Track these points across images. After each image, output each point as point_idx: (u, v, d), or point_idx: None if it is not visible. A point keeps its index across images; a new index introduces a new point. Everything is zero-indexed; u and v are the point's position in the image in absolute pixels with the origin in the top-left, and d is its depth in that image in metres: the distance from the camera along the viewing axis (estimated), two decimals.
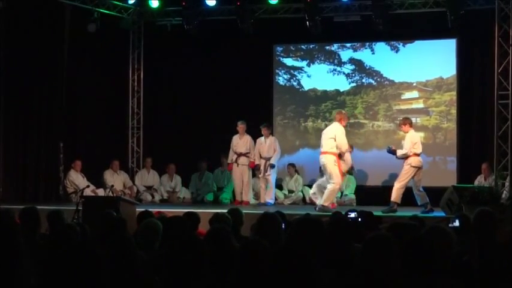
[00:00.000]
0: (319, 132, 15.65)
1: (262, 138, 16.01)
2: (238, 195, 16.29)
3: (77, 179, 16.47)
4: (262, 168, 15.91)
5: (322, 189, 14.11)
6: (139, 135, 18.63)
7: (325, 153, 13.97)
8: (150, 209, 9.44)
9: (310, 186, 15.83)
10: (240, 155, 16.18)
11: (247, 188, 16.18)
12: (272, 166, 15.77)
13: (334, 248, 5.71)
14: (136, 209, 11.71)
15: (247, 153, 16.17)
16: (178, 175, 17.73)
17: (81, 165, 16.62)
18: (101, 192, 16.37)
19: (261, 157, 15.97)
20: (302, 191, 16.83)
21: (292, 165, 17.16)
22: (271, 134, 16.29)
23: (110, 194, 15.76)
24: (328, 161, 13.87)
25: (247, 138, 16.27)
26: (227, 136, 17.50)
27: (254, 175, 16.74)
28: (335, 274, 4.78)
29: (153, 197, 17.33)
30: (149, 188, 17.55)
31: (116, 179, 16.96)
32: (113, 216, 7.91)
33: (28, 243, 4.74)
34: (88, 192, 15.14)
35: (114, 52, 18.24)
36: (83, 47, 17.44)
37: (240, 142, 16.21)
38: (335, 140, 13.88)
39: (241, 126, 16.23)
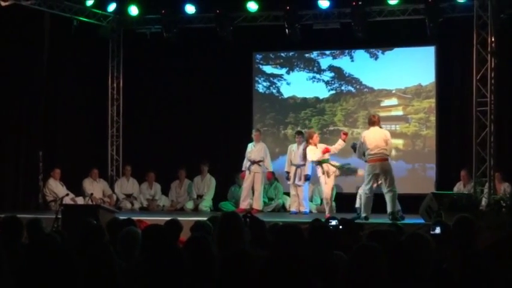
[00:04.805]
0: None
1: (295, 145, 16.09)
2: (242, 202, 16.05)
3: (56, 187, 16.41)
4: (292, 175, 15.86)
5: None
6: (118, 143, 18.54)
7: None
8: (132, 217, 9.35)
9: (289, 194, 15.94)
10: (253, 162, 16.08)
11: (259, 196, 16.09)
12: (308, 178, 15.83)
13: (314, 255, 5.71)
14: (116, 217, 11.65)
15: (260, 161, 16.10)
16: (158, 183, 17.69)
17: (61, 173, 16.55)
18: (80, 200, 16.28)
19: (291, 164, 15.97)
20: (282, 199, 16.83)
21: (271, 173, 17.14)
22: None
23: (89, 202, 15.71)
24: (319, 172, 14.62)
25: (262, 146, 16.21)
26: (206, 144, 17.52)
27: (234, 182, 16.90)
28: (317, 282, 4.76)
29: (132, 205, 17.26)
30: (129, 196, 17.47)
31: (95, 187, 16.88)
32: (93, 225, 7.88)
33: (9, 253, 4.70)
34: (67, 200, 15.09)
35: (93, 60, 18.17)
36: (62, 55, 17.40)
37: (255, 150, 16.11)
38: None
39: (256, 134, 16.21)
